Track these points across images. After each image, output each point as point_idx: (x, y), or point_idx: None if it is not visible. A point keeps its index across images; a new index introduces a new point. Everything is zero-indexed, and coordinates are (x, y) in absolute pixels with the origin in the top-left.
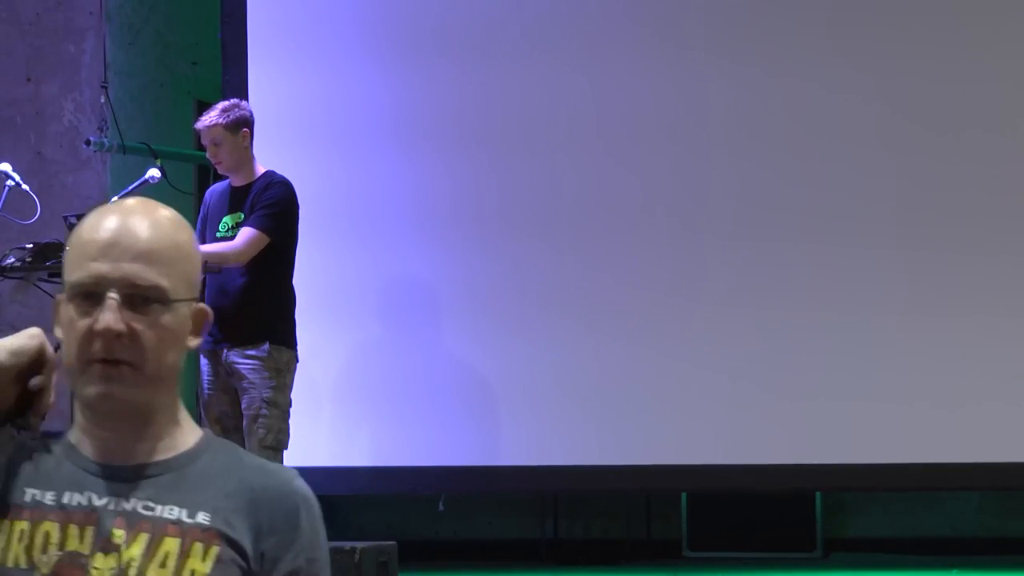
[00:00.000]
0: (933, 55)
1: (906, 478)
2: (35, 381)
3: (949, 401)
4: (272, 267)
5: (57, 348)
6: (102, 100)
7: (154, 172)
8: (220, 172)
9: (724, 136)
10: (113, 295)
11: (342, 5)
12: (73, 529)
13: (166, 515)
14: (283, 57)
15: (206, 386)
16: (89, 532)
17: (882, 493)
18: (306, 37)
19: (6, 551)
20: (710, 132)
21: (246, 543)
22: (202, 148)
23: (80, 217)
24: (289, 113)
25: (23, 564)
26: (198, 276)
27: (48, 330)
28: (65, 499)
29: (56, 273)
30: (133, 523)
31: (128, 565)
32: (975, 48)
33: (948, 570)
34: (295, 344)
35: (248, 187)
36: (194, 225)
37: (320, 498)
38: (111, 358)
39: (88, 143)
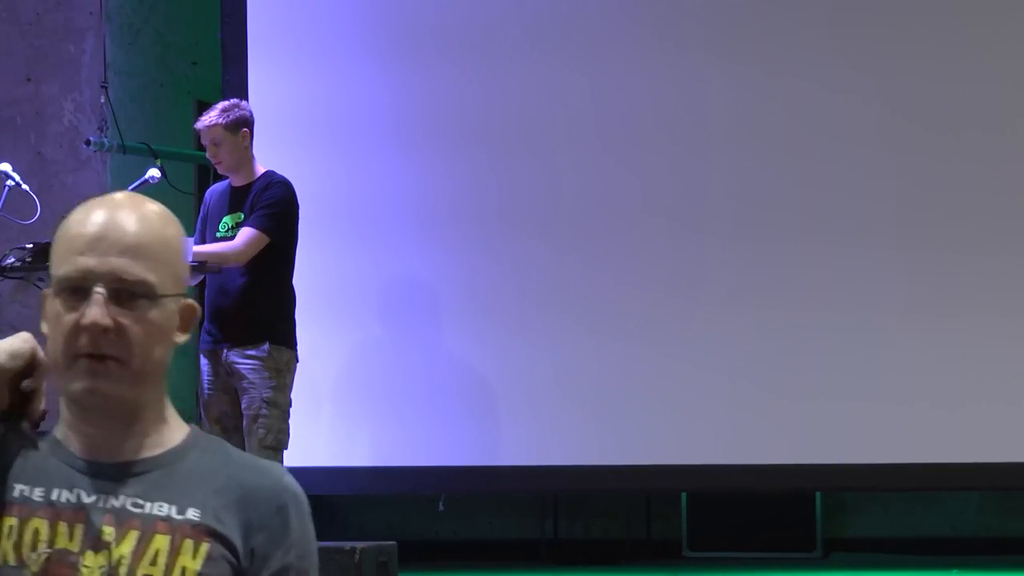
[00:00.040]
0: (933, 55)
1: (906, 478)
2: (27, 383)
3: (949, 401)
4: (272, 267)
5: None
6: (102, 100)
7: (154, 172)
8: (220, 172)
9: (724, 136)
10: (100, 290)
11: (342, 5)
12: (62, 526)
13: (155, 512)
14: (283, 57)
15: (206, 386)
16: (79, 529)
17: (882, 493)
18: (306, 37)
19: None
20: (710, 132)
21: (236, 539)
22: (202, 148)
23: None
24: (289, 113)
25: (12, 561)
26: (186, 271)
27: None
28: (54, 496)
29: None
30: (122, 520)
31: (118, 563)
32: (975, 48)
33: (948, 570)
34: (295, 344)
35: (248, 187)
36: (194, 225)
37: (320, 498)
38: (97, 353)
39: (88, 143)
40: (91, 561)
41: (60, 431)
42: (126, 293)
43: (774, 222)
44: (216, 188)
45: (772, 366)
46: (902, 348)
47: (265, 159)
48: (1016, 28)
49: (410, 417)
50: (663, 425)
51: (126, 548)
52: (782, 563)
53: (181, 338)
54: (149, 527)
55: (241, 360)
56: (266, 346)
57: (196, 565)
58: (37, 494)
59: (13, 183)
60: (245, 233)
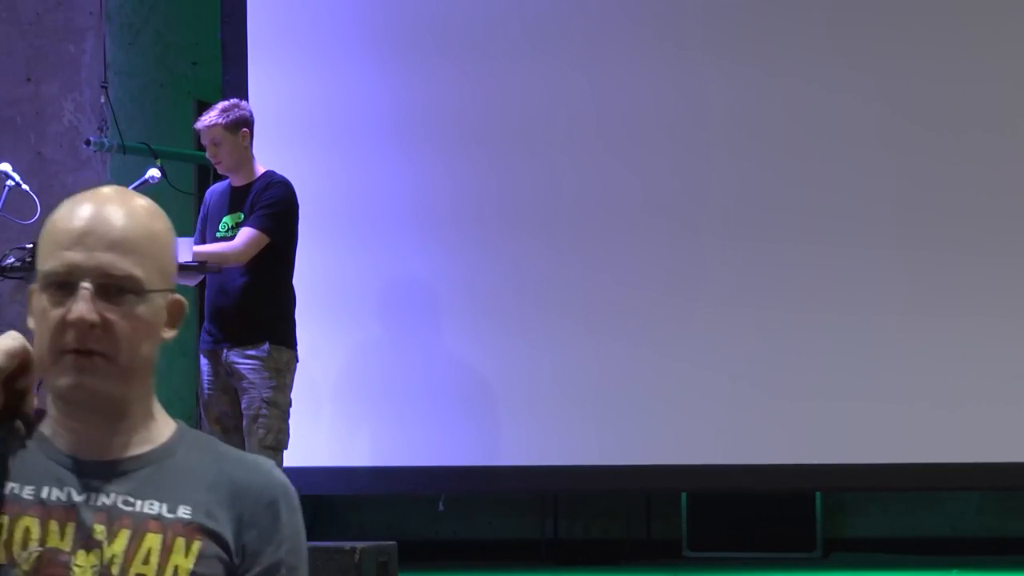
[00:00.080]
0: (933, 55)
1: (906, 478)
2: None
3: (949, 401)
4: (272, 267)
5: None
6: (102, 100)
7: (154, 172)
8: (220, 172)
9: (724, 136)
10: (86, 285)
11: (342, 5)
12: (53, 525)
13: (146, 510)
14: (283, 57)
15: (206, 386)
16: (70, 528)
17: (882, 493)
18: (306, 37)
19: None
20: (710, 132)
21: (228, 535)
22: (202, 148)
23: None
24: (289, 113)
25: (2, 560)
26: (174, 266)
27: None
28: (44, 494)
29: None
30: (114, 519)
31: (111, 562)
32: (975, 48)
33: (948, 570)
34: (295, 344)
35: (248, 187)
36: (194, 225)
37: (320, 498)
38: (84, 349)
39: (88, 143)
40: (83, 560)
41: (48, 428)
42: (113, 288)
43: (774, 222)
44: (216, 188)
45: (772, 366)
46: (902, 348)
47: (265, 159)
48: (1016, 28)
49: (410, 417)
50: (663, 425)
51: (118, 547)
52: (782, 563)
53: (169, 334)
54: (141, 525)
55: (241, 360)
56: (266, 346)
57: (189, 564)
58: (27, 492)
59: (13, 183)
60: (245, 233)
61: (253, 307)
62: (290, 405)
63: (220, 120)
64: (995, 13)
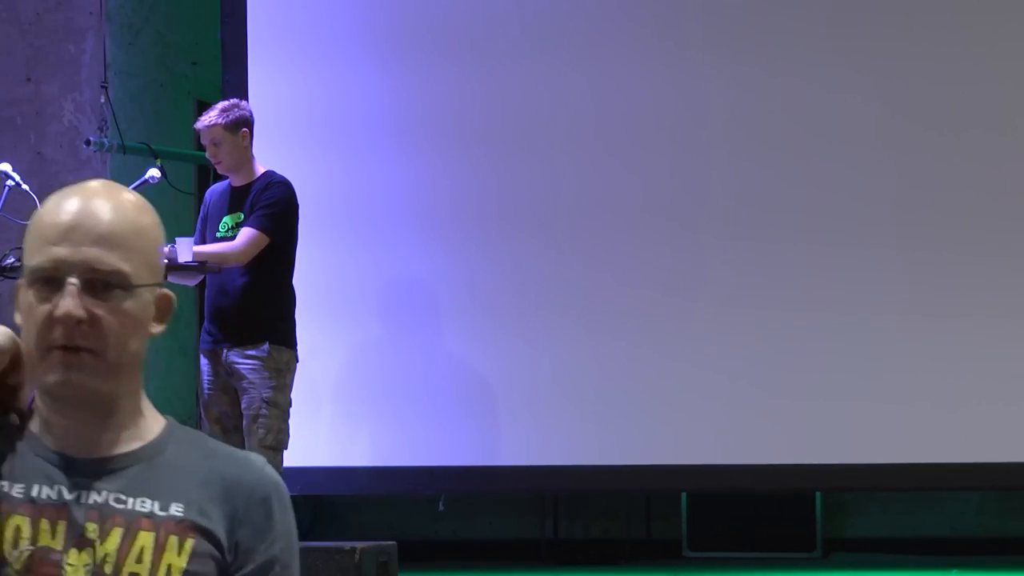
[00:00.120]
0: (933, 55)
1: (906, 478)
2: (10, 379)
3: (949, 401)
4: (272, 267)
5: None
6: (102, 100)
7: (154, 172)
8: (220, 172)
9: (724, 136)
10: (73, 280)
11: (342, 5)
12: (44, 523)
13: (139, 508)
14: (283, 57)
15: (206, 386)
16: (61, 527)
17: (882, 493)
18: (306, 37)
19: None
20: (710, 132)
21: (220, 533)
22: (202, 148)
23: None
24: (289, 113)
25: None
26: (161, 261)
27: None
28: (34, 492)
29: None
30: (106, 517)
31: (104, 561)
32: (975, 48)
33: (948, 570)
34: (295, 344)
35: (248, 187)
36: (194, 225)
37: (320, 498)
38: (71, 345)
39: (88, 143)
40: (75, 559)
41: (36, 425)
42: (100, 283)
43: (774, 222)
44: (216, 188)
45: (772, 366)
46: (902, 348)
47: (265, 159)
48: (1016, 28)
49: (410, 417)
50: (663, 425)
51: (111, 546)
52: (782, 563)
53: (157, 329)
54: (133, 523)
55: (241, 360)
56: (266, 346)
57: (182, 562)
58: (16, 490)
59: (13, 183)
60: (245, 233)
61: (253, 307)
62: (290, 405)
63: (220, 120)
64: (995, 13)
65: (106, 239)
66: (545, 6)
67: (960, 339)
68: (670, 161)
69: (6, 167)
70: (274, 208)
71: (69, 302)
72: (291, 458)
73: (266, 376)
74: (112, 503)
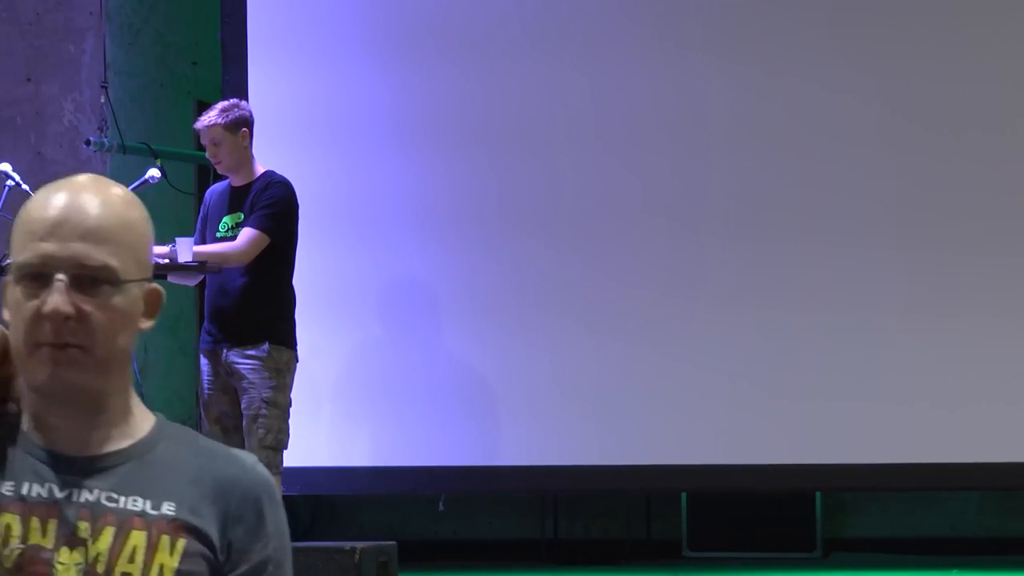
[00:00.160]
0: (933, 55)
1: (906, 478)
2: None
3: (949, 401)
4: (272, 267)
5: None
6: (102, 100)
7: (154, 172)
8: (220, 172)
9: (724, 136)
10: (61, 276)
11: (342, 5)
12: (35, 522)
13: (130, 507)
14: (283, 57)
15: (206, 386)
16: (52, 525)
17: (882, 493)
18: (306, 37)
19: None
20: (710, 132)
21: (213, 532)
22: (202, 148)
23: None
24: (289, 113)
25: None
26: (150, 256)
27: None
28: (24, 490)
29: None
30: (98, 515)
31: (96, 560)
32: (975, 48)
33: (948, 570)
34: (295, 344)
35: (248, 187)
36: (194, 225)
37: (320, 498)
38: (59, 342)
39: (88, 143)
40: (66, 558)
41: (25, 422)
42: (88, 279)
43: (774, 222)
44: (216, 188)
45: (772, 366)
46: (902, 348)
47: (265, 159)
48: (1016, 28)
49: (410, 417)
50: (663, 425)
51: (103, 545)
52: (782, 563)
53: (146, 324)
54: (125, 522)
55: (241, 360)
56: (266, 346)
57: (174, 562)
58: (6, 488)
59: (13, 183)
60: (246, 233)
61: (253, 307)
62: (290, 405)
63: (220, 120)
64: (995, 13)
65: (94, 234)
66: (545, 6)
67: (960, 339)
68: (670, 161)
69: (6, 167)
70: (274, 208)
71: (57, 298)
72: (291, 458)
73: (266, 376)
74: (104, 501)
